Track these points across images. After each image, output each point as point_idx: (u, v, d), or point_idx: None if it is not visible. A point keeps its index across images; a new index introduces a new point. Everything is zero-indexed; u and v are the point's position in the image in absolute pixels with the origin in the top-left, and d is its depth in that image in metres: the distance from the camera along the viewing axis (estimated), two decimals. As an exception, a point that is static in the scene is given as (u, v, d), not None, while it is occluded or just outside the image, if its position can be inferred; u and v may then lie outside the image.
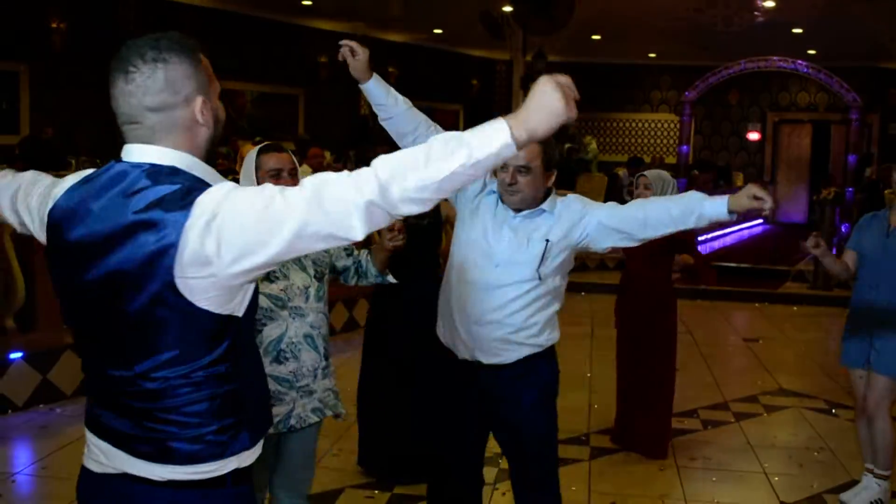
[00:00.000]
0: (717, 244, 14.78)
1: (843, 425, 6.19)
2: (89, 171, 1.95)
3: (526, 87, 11.71)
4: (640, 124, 20.20)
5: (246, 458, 1.96)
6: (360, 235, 1.73)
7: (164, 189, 1.76)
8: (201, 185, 1.78)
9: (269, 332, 3.11)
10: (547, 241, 3.21)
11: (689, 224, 3.04)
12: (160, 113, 1.83)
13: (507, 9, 11.24)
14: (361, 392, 5.05)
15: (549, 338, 3.35)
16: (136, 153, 1.85)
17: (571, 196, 3.33)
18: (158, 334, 1.80)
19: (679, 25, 13.07)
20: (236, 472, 1.93)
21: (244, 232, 1.70)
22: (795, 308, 11.24)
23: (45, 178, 2.10)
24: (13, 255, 5.94)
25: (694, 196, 3.08)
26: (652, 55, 18.45)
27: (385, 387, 4.87)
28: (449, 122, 19.62)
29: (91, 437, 1.95)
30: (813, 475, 5.24)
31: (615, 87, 20.02)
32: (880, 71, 17.82)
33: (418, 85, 17.80)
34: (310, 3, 13.58)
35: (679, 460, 5.44)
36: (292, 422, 3.15)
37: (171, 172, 1.81)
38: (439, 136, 1.73)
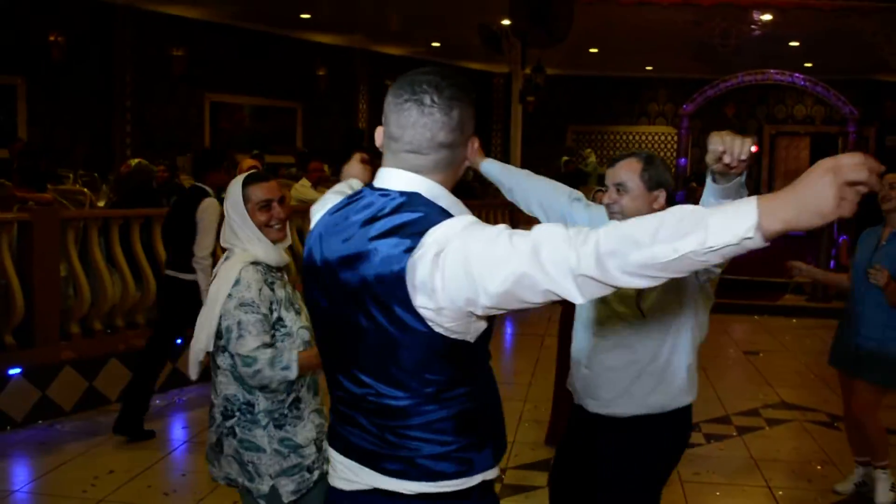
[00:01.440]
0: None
1: (846, 438, 6.17)
2: (336, 198, 2.10)
3: (524, 101, 11.71)
4: (638, 137, 20.23)
5: (490, 474, 1.99)
6: (579, 300, 1.64)
7: (406, 217, 1.81)
8: (444, 216, 1.80)
9: None
10: None
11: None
12: (448, 150, 1.88)
13: (506, 22, 11.26)
14: None
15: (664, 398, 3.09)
16: (404, 179, 1.89)
17: None
18: (394, 353, 1.84)
19: (676, 39, 13.11)
20: (483, 485, 1.97)
21: (466, 270, 1.69)
22: (795, 320, 11.23)
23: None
24: (12, 270, 5.91)
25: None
26: (649, 68, 18.49)
27: None
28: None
29: (335, 455, 2.03)
30: (817, 490, 5.22)
31: (613, 100, 20.06)
32: (877, 83, 17.87)
33: (416, 98, 17.85)
34: (308, 16, 13.59)
35: (683, 475, 5.41)
36: None
37: (421, 201, 1.85)
38: (678, 209, 1.55)
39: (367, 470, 1.94)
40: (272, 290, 2.93)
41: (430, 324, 1.78)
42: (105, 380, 6.41)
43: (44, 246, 6.07)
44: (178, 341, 6.02)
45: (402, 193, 1.86)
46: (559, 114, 20.11)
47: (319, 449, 2.96)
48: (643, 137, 20.15)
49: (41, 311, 6.05)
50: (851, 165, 1.42)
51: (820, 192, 1.43)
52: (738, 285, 12.42)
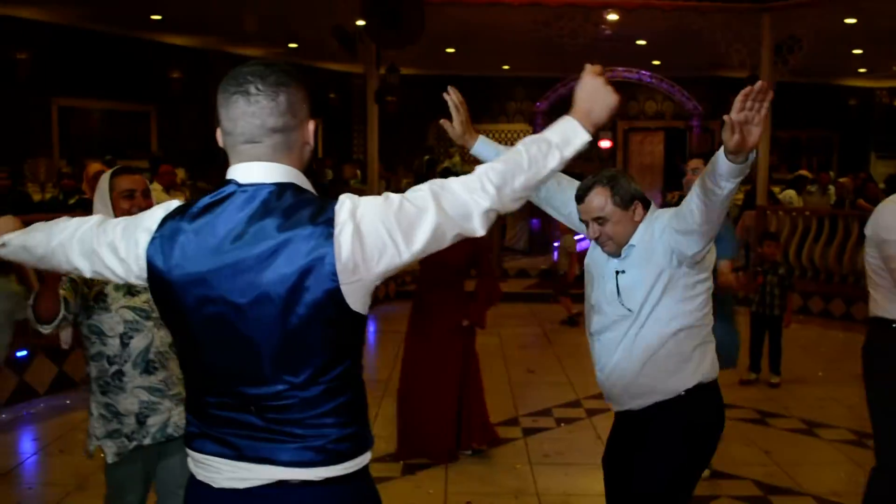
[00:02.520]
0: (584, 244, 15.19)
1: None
2: (176, 202, 2.03)
3: (380, 101, 11.79)
4: (497, 135, 20.58)
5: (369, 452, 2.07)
6: (481, 233, 1.93)
7: (302, 204, 1.87)
8: (325, 199, 1.89)
9: (137, 344, 3.22)
10: (616, 272, 3.12)
11: (732, 183, 2.60)
12: (281, 134, 1.91)
13: (361, 23, 11.32)
14: None
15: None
16: (254, 171, 1.91)
17: (660, 211, 3.16)
18: (318, 342, 1.88)
19: (528, 38, 13.41)
20: (367, 466, 2.05)
21: (384, 236, 1.84)
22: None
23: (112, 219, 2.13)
24: None
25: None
26: (506, 67, 18.85)
27: None
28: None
29: (216, 460, 1.97)
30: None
31: (472, 99, 20.02)
32: (721, 80, 18.69)
33: (275, 100, 17.71)
34: (159, 17, 13.31)
35: (533, 457, 5.62)
36: (169, 430, 3.26)
37: (296, 190, 1.91)
38: (526, 140, 1.98)
39: (266, 466, 1.93)
40: None
41: (352, 302, 1.86)
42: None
43: None
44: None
45: (275, 184, 1.90)
46: (420, 113, 20.29)
47: (141, 423, 3.23)
48: (503, 136, 20.53)
49: None
50: (597, 69, 2.07)
51: (603, 93, 2.02)
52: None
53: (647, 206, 3.14)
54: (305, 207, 1.86)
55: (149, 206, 3.15)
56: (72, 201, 9.05)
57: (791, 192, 12.93)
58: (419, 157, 18.40)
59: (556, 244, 13.16)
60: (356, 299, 1.87)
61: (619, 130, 20.67)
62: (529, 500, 4.95)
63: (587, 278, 3.31)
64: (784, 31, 11.56)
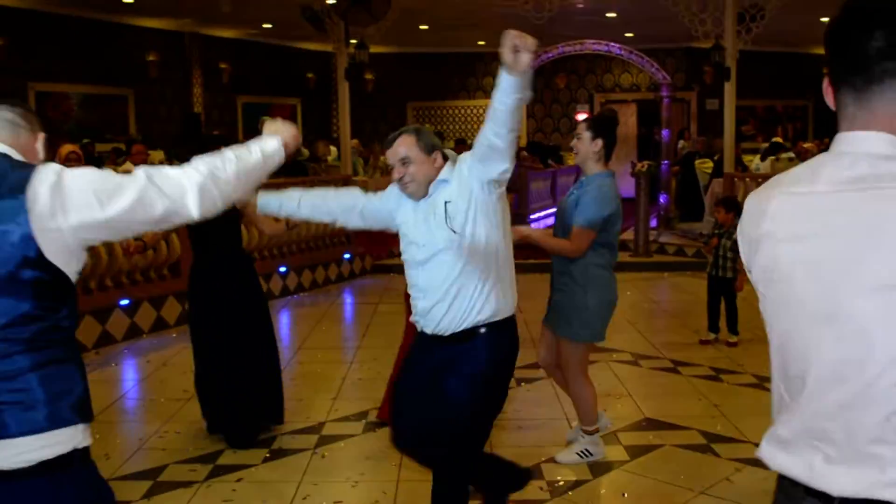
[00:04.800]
0: (548, 221, 15.44)
1: (643, 373, 6.82)
2: None
3: (350, 78, 11.97)
4: (475, 111, 20.80)
5: (88, 437, 2.08)
6: (195, 213, 2.11)
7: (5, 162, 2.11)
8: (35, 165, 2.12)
9: None
10: (446, 202, 3.47)
11: (510, 98, 3.02)
12: None
13: (330, 1, 11.48)
14: (201, 369, 5.33)
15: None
16: None
17: (465, 154, 3.54)
18: (17, 291, 1.97)
19: (496, 13, 13.59)
20: (84, 451, 2.06)
21: (87, 189, 2.00)
22: (619, 274, 11.95)
23: None
24: None
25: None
26: (481, 42, 19.01)
27: (222, 358, 5.26)
28: (287, 116, 19.44)
29: None
30: (612, 417, 5.74)
31: (449, 76, 20.54)
32: (694, 51, 18.91)
33: (255, 80, 17.86)
34: (131, 0, 13.44)
35: (491, 415, 5.87)
36: None
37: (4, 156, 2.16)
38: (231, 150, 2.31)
39: None
40: None
41: (47, 251, 1.98)
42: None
43: None
44: None
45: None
46: (399, 91, 20.46)
47: None
48: (481, 111, 20.73)
49: None
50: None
51: (285, 127, 2.51)
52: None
53: (445, 159, 3.59)
54: (11, 163, 2.12)
55: None
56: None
57: (757, 159, 13.20)
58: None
59: (531, 219, 13.40)
60: (53, 249, 2.00)
61: (595, 103, 20.88)
62: (484, 453, 5.21)
63: (403, 241, 3.66)
64: (747, 0, 11.77)
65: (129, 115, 15.28)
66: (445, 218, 3.45)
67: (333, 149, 15.08)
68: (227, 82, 17.02)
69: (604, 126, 4.83)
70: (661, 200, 14.39)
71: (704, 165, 14.28)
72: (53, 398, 1.97)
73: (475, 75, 20.75)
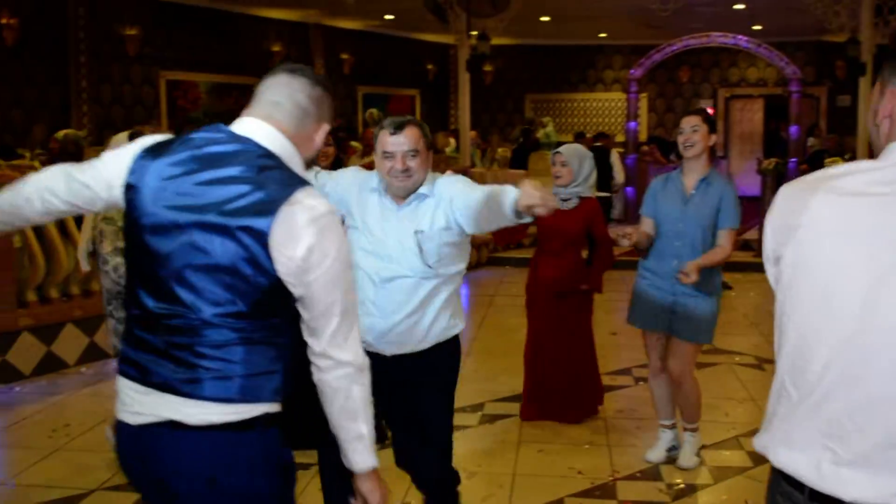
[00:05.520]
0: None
1: (767, 377, 6.58)
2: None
3: (471, 70, 11.96)
4: (594, 104, 20.54)
5: (275, 407, 2.15)
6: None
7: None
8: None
9: None
10: (417, 232, 3.25)
11: (507, 219, 2.93)
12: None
13: (453, -8, 11.51)
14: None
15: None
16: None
17: (449, 177, 3.36)
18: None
19: (622, 5, 13.37)
20: (269, 416, 2.12)
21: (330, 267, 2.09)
22: (740, 275, 11.62)
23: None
24: None
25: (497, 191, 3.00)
26: (603, 35, 18.76)
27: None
28: (406, 107, 19.61)
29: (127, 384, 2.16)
30: (733, 422, 5.59)
31: (569, 69, 20.33)
32: (825, 44, 18.22)
33: (375, 71, 18.07)
34: (260, -9, 13.76)
35: (608, 413, 5.78)
36: None
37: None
38: None
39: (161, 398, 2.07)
40: None
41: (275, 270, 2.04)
42: (62, 344, 6.68)
43: (-3, 218, 6.28)
44: None
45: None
46: (517, 84, 20.38)
47: None
48: (599, 104, 20.47)
49: (-3, 280, 6.30)
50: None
51: None
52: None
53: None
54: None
55: None
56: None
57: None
58: (516, 127, 18.47)
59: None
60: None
61: (719, 97, 20.34)
62: (600, 451, 5.13)
63: (361, 243, 3.34)
64: (886, -8, 11.27)
65: (253, 103, 15.65)
66: (420, 251, 3.24)
67: (452, 140, 15.11)
68: (348, 73, 17.27)
69: (714, 122, 4.74)
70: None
71: (835, 164, 13.73)
72: (251, 376, 2.05)
73: (595, 67, 20.48)
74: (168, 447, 2.04)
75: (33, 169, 8.53)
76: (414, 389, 3.45)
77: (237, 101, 15.27)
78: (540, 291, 5.59)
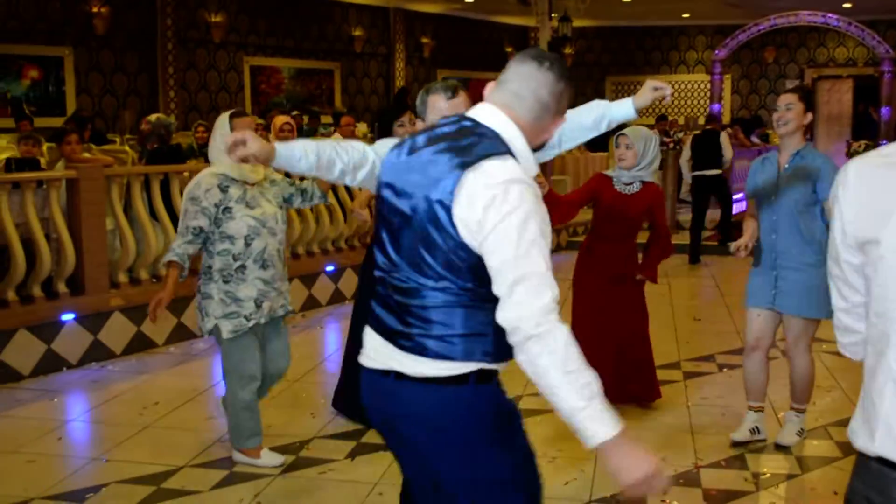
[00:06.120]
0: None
1: (856, 366, 6.39)
2: None
3: (553, 51, 11.87)
4: (676, 86, 20.20)
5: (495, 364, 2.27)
6: None
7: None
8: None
9: (257, 245, 4.24)
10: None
11: (602, 129, 3.17)
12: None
13: (534, -26, 11.43)
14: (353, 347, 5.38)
15: None
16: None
17: None
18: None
19: (706, -16, 13.11)
20: (486, 371, 2.25)
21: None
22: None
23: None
24: (63, 225, 6.35)
25: (600, 104, 3.19)
26: (686, 15, 18.43)
27: None
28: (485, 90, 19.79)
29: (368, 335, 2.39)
30: (821, 410, 5.47)
31: (651, 50, 20.04)
32: (921, 22, 17.62)
33: (455, 55, 18.07)
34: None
35: (691, 399, 5.71)
36: (277, 311, 4.43)
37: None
38: None
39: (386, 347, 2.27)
40: (224, 191, 4.19)
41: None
42: (151, 325, 6.85)
43: (90, 201, 6.49)
44: None
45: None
46: (598, 66, 20.16)
47: (258, 306, 4.29)
48: (682, 86, 20.13)
49: (90, 262, 6.49)
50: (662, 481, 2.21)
51: (637, 464, 2.19)
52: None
53: None
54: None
55: None
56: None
57: None
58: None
59: (735, 198, 12.92)
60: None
61: (806, 78, 19.82)
62: (683, 437, 5.07)
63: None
64: None
65: (335, 88, 15.82)
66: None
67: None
68: (428, 56, 17.30)
69: (812, 100, 4.68)
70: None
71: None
72: (469, 338, 2.20)
73: (678, 49, 20.14)
74: (392, 393, 2.27)
75: (124, 153, 8.78)
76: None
77: (318, 86, 15.46)
78: (591, 277, 5.46)
